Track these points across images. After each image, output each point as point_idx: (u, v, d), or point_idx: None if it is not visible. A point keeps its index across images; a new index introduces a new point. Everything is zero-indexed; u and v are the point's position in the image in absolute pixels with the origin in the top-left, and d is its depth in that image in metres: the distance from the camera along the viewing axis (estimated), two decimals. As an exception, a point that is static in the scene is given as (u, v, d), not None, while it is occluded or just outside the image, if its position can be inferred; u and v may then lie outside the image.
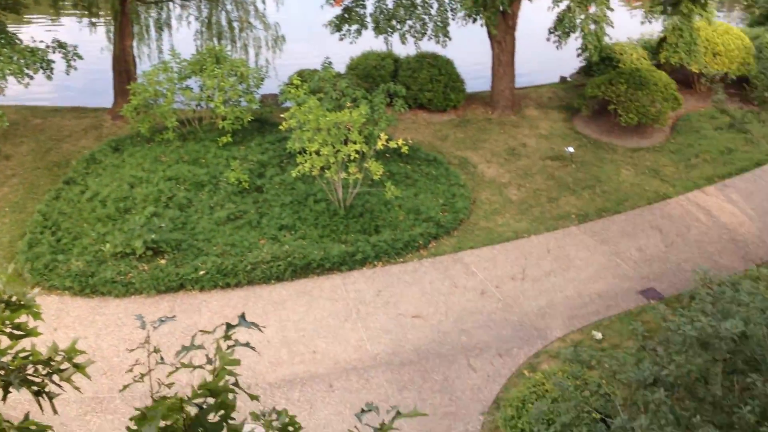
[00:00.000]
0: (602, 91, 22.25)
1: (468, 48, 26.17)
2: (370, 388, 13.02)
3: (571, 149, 21.36)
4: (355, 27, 22.58)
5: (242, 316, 3.39)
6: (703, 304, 9.36)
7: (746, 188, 19.92)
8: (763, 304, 9.05)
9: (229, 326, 3.29)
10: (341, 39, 22.78)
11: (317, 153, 16.71)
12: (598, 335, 14.46)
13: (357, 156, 16.87)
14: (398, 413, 3.18)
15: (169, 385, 3.28)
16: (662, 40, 24.23)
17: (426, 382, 13.29)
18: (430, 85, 23.32)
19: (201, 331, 3.40)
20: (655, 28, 25.30)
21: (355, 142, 16.80)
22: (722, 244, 17.61)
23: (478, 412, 12.63)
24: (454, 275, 16.36)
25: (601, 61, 24.34)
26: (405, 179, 19.56)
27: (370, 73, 23.57)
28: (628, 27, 25.54)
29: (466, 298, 15.65)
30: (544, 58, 25.86)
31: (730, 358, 8.77)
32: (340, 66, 22.87)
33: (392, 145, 17.23)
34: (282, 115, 18.39)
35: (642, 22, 23.41)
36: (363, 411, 3.34)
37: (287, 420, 3.32)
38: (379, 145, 17.08)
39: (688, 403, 8.77)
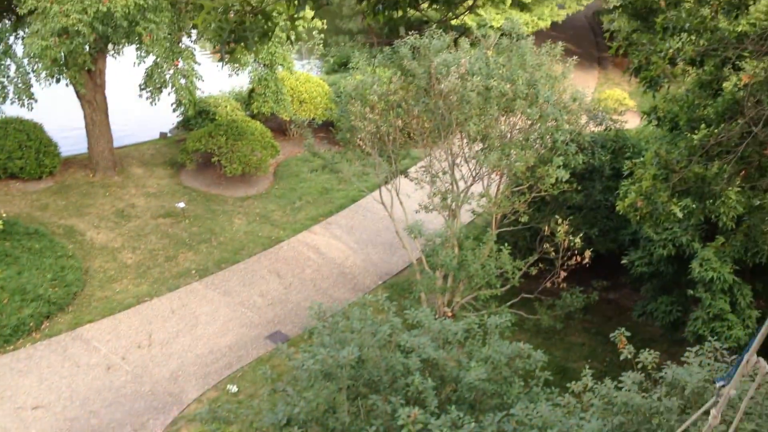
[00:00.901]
0: (203, 144, 22.66)
1: (62, 109, 24.86)
2: (-12, 504, 11.40)
3: (182, 204, 21.32)
4: None
5: None
6: (321, 337, 9.95)
7: (347, 224, 21.80)
8: (373, 328, 9.91)
9: None
10: None
11: None
12: (234, 388, 14.54)
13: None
14: None
15: None
16: (252, 91, 25.54)
17: (56, 479, 12.06)
18: (20, 152, 21.51)
19: None
20: (244, 79, 26.61)
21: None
22: (334, 278, 19.00)
23: (119, 497, 11.82)
24: (75, 354, 15.18)
25: (198, 115, 24.92)
26: (5, 258, 17.65)
27: (-56, 146, 20.98)
28: (219, 79, 26.45)
29: (91, 376, 14.60)
30: (143, 114, 25.56)
31: (352, 384, 9.44)
32: None
33: (-18, 223, 15.51)
34: None
35: (230, 75, 24.39)
36: None
37: None
38: (-34, 225, 15.26)
39: (322, 435, 9.21)
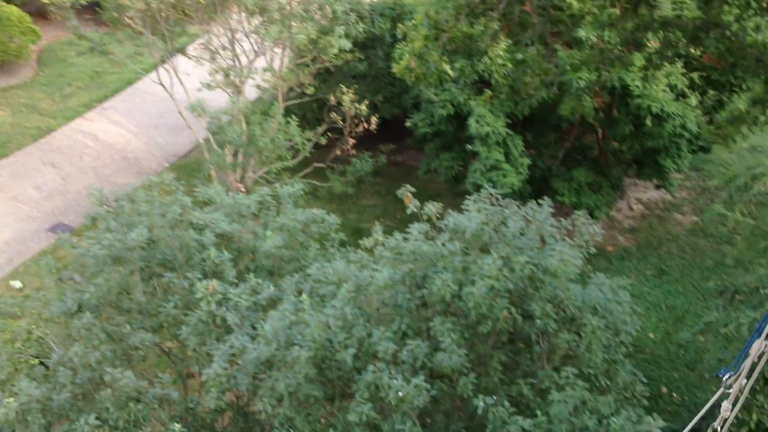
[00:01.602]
0: (-50, 32, 20.18)
1: None
2: None
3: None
4: None
5: None
6: (106, 223, 9.54)
7: (125, 107, 20.61)
8: (162, 209, 9.62)
9: None
10: None
11: None
12: (17, 284, 13.88)
13: None
14: None
15: None
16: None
17: None
18: None
19: None
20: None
21: None
22: (116, 165, 18.10)
23: None
24: None
25: (-60, 1, 21.96)
26: None
27: None
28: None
29: None
30: None
31: (145, 265, 9.21)
32: None
33: None
34: None
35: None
36: None
37: None
38: None
39: (118, 317, 8.99)
